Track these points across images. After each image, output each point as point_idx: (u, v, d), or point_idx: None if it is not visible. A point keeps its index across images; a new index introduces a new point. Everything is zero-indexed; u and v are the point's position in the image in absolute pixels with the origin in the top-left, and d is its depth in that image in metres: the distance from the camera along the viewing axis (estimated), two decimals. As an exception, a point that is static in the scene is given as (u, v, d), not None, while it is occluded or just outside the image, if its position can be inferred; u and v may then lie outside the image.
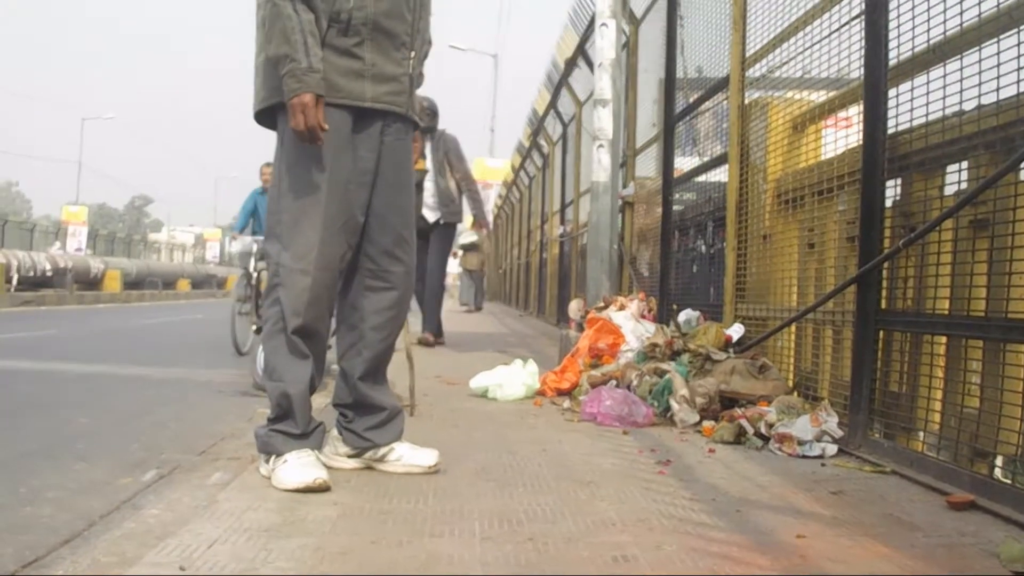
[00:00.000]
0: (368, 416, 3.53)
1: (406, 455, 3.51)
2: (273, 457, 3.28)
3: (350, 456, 3.55)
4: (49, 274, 27.77)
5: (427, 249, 9.79)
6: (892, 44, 3.96)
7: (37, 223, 50.13)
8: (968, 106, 3.44)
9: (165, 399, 6.58)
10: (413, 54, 3.53)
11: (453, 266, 40.02)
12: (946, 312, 3.64)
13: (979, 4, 3.35)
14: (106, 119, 72.38)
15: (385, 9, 3.38)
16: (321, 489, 3.10)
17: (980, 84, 3.34)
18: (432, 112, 9.66)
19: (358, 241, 3.48)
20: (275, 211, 3.41)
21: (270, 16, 3.23)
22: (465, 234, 23.53)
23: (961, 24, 3.45)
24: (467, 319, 18.99)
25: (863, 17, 4.19)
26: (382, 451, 3.52)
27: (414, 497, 3.08)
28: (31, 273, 26.49)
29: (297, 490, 3.09)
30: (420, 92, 3.78)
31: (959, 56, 3.47)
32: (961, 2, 3.43)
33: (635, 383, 5.25)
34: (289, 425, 3.32)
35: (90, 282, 31.03)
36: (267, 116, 3.48)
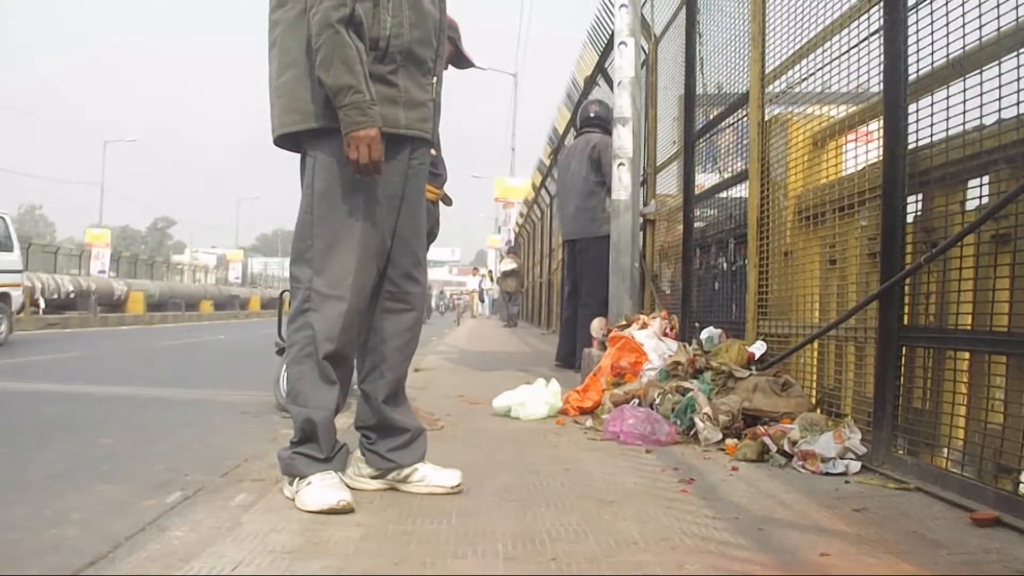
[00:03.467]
0: (391, 437, 3.54)
1: (429, 476, 3.51)
2: (297, 479, 3.29)
3: (373, 477, 3.56)
4: (73, 296, 27.91)
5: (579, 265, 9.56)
6: (911, 59, 3.96)
7: (60, 246, 50.33)
8: (988, 120, 3.44)
9: (188, 420, 6.59)
10: (436, 79, 3.56)
11: (473, 284, 40.49)
12: (969, 327, 3.62)
13: (998, 19, 3.35)
14: (128, 142, 72.81)
15: (418, 37, 3.40)
16: (344, 511, 3.11)
17: (1000, 98, 3.33)
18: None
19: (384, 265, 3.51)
20: (306, 236, 3.39)
21: (329, 43, 3.17)
22: (504, 262, 28.78)
23: (980, 38, 3.45)
24: (490, 338, 19.03)
25: (882, 33, 4.20)
26: (405, 472, 3.52)
27: (437, 518, 3.09)
28: (55, 296, 26.62)
29: (321, 512, 3.10)
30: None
31: (979, 70, 3.46)
32: (980, 16, 3.43)
33: (658, 401, 5.24)
34: (313, 449, 3.33)
35: (113, 304, 31.15)
36: (289, 140, 3.47)
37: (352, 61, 3.17)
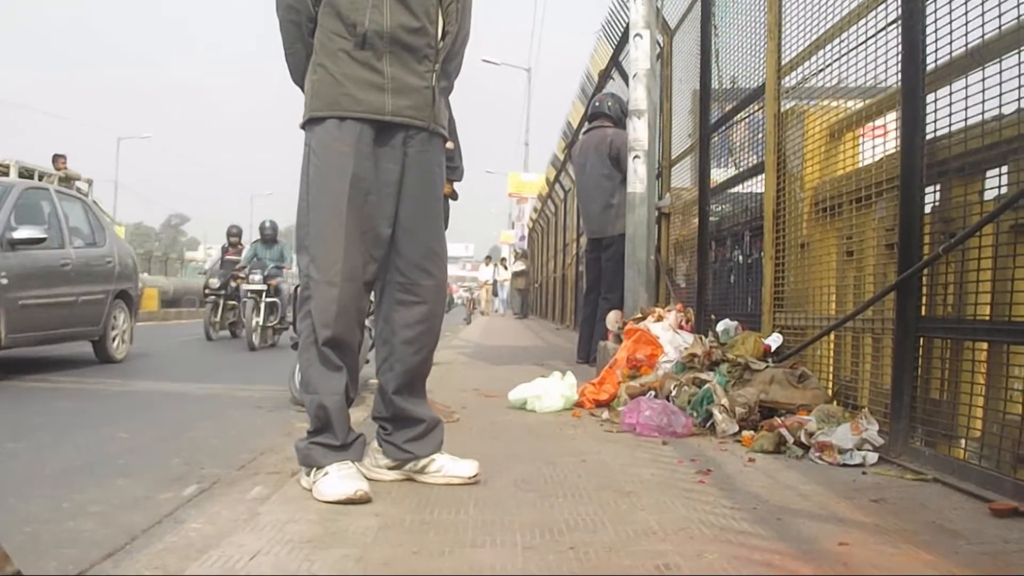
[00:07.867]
0: (407, 429, 3.54)
1: (446, 466, 3.52)
2: (314, 469, 3.30)
3: (390, 468, 3.56)
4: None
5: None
6: (930, 49, 3.93)
7: (76, 243, 50.31)
8: (1008, 110, 3.42)
9: (204, 415, 6.59)
10: (437, 67, 3.53)
11: (486, 275, 40.75)
12: (987, 318, 3.61)
13: (1018, 7, 3.33)
14: (142, 138, 72.96)
15: (403, 23, 3.39)
16: (362, 501, 3.11)
17: (1020, 87, 3.31)
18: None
19: (385, 254, 3.50)
20: (303, 224, 3.44)
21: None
22: (516, 263, 33.70)
23: (1000, 27, 3.43)
24: (505, 333, 19.06)
25: (899, 23, 4.17)
26: (422, 462, 3.53)
27: (455, 508, 3.09)
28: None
29: (338, 502, 3.11)
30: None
31: (998, 60, 3.44)
32: (1000, 4, 3.41)
33: (674, 393, 5.23)
34: (328, 437, 3.34)
35: (128, 300, 31.10)
36: None
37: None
